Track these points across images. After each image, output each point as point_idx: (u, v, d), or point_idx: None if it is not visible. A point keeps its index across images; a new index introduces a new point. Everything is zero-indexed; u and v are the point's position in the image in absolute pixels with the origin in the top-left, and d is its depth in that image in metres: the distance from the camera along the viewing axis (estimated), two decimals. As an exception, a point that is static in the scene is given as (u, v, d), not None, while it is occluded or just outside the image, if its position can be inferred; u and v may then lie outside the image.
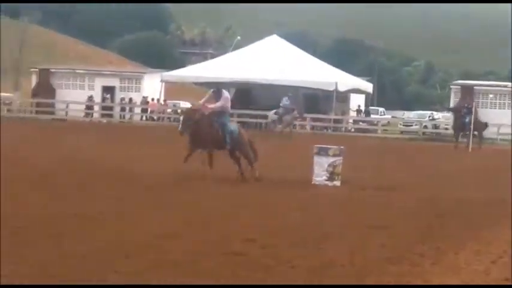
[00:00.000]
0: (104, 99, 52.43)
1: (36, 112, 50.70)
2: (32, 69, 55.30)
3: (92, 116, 51.33)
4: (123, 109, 52.54)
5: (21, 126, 38.88)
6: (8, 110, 51.91)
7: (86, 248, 9.22)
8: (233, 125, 18.25)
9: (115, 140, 31.62)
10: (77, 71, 55.34)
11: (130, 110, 52.66)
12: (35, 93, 52.69)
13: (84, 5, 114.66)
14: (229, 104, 18.21)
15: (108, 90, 52.77)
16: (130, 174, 17.36)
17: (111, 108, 52.14)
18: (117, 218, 11.58)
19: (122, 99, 52.24)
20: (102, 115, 51.80)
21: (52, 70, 54.20)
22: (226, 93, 18.33)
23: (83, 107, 51.63)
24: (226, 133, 17.54)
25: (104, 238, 9.93)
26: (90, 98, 51.74)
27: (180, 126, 17.69)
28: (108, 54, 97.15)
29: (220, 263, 8.74)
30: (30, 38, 69.37)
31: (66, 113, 51.79)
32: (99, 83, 53.31)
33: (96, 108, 52.35)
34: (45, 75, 53.19)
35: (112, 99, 52.42)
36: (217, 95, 18.01)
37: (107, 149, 25.77)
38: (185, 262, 8.72)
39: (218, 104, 17.74)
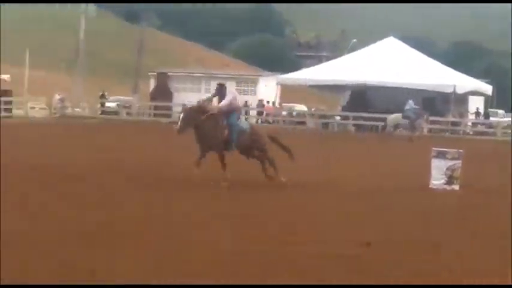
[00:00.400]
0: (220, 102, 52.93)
1: (154, 115, 51.57)
2: (150, 73, 56.34)
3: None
4: (239, 112, 52.88)
5: (141, 129, 39.70)
6: (128, 113, 53.01)
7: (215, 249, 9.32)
8: (244, 124, 17.04)
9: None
10: (194, 74, 56.05)
11: (246, 113, 52.95)
12: (153, 97, 53.62)
13: (200, 8, 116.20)
14: (237, 101, 16.95)
15: (225, 93, 53.22)
16: (252, 177, 17.35)
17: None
18: (240, 220, 11.65)
19: (238, 102, 52.64)
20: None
21: (169, 74, 55.07)
22: (230, 89, 17.15)
23: (200, 109, 52.21)
24: (234, 134, 16.29)
25: (229, 240, 10.02)
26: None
27: (179, 124, 16.27)
28: (224, 57, 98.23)
29: (334, 266, 8.70)
30: (149, 42, 70.72)
31: (184, 116, 52.47)
32: (215, 85, 53.76)
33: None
34: (162, 79, 54.08)
35: (228, 102, 52.87)
36: (220, 92, 16.77)
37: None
38: (302, 264, 8.70)
39: (225, 101, 16.41)
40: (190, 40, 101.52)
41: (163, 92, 53.23)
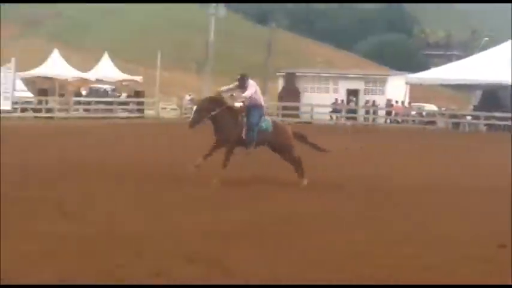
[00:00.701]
0: (348, 102, 52.77)
1: (282, 115, 51.79)
2: (278, 73, 56.63)
3: (337, 119, 51.79)
4: (367, 112, 52.56)
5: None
6: (256, 113, 53.37)
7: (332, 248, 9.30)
8: (265, 123, 15.76)
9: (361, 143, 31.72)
10: (322, 74, 56.02)
11: (374, 112, 52.57)
12: (281, 97, 53.88)
13: (329, 9, 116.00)
14: (258, 96, 15.72)
15: (353, 93, 53.03)
16: (380, 179, 17.23)
17: (355, 111, 52.34)
18: (366, 221, 11.59)
19: (367, 102, 52.33)
20: (347, 118, 52.11)
21: (298, 74, 55.21)
22: (252, 82, 15.74)
23: (328, 110, 52.20)
24: (254, 133, 15.42)
25: (352, 239, 10.00)
26: (342, 101, 52.34)
27: (191, 117, 15.46)
28: (352, 57, 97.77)
29: (469, 267, 8.57)
30: (278, 42, 71.11)
31: (311, 116, 52.52)
32: (344, 86, 53.69)
33: (341, 111, 52.69)
34: (291, 79, 54.26)
35: (356, 102, 52.66)
36: (242, 84, 15.71)
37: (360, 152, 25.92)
38: (434, 264, 8.60)
39: (246, 93, 15.50)
40: (318, 40, 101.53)
41: (291, 92, 53.41)
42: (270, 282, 7.77)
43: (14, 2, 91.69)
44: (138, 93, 51.88)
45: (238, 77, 15.88)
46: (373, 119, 51.77)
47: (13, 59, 42.27)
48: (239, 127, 15.43)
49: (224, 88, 16.05)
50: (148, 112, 49.94)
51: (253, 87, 15.62)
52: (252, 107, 15.61)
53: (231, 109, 15.56)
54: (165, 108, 52.42)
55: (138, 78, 56.50)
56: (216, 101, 15.61)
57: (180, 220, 11.07)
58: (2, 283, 7.42)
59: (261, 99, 15.86)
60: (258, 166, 17.12)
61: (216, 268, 8.21)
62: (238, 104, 15.82)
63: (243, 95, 15.53)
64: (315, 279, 7.93)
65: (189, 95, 54.77)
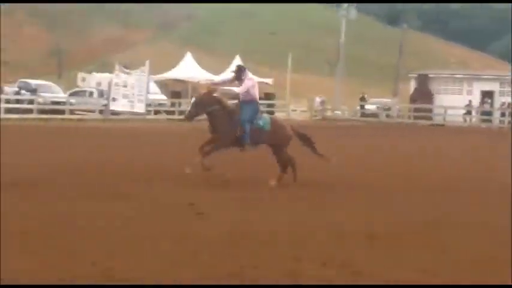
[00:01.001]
0: (483, 104, 51.55)
1: (414, 117, 51.05)
2: (410, 75, 55.93)
3: (471, 121, 50.68)
4: (502, 114, 51.20)
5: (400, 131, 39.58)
6: (387, 116, 52.92)
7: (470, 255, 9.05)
8: (262, 120, 14.94)
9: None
10: (456, 75, 54.99)
11: (503, 114, 51.14)
12: (413, 99, 53.15)
13: (462, 8, 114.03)
14: (254, 90, 14.87)
15: (487, 94, 51.78)
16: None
17: (489, 113, 51.06)
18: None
19: (502, 103, 51.00)
20: (482, 120, 50.92)
21: (430, 75, 54.33)
22: (250, 76, 15.16)
23: (461, 112, 51.15)
24: (246, 133, 14.63)
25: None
26: (479, 103, 51.25)
27: (188, 110, 14.88)
28: (487, 58, 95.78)
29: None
30: (409, 43, 70.29)
31: (444, 118, 51.57)
32: (478, 87, 52.49)
33: (475, 113, 51.58)
34: (423, 81, 53.45)
35: (492, 104, 51.40)
36: (239, 76, 14.96)
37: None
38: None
39: (241, 88, 14.74)
40: (452, 41, 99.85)
41: (423, 94, 52.58)
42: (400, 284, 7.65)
43: (147, 1, 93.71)
44: (268, 95, 52.12)
45: (235, 68, 15.38)
46: (509, 122, 50.35)
47: (147, 62, 43.11)
48: (234, 126, 14.77)
49: (219, 80, 15.52)
50: (279, 114, 50.04)
51: (249, 82, 14.96)
52: (245, 103, 14.90)
53: (229, 108, 14.89)
54: (295, 110, 52.46)
55: (269, 80, 56.79)
56: (215, 99, 14.87)
57: (307, 221, 10.95)
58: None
59: (257, 95, 15.08)
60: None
61: (347, 270, 8.09)
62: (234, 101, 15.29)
63: (237, 91, 15.01)
64: (445, 281, 7.75)
65: (320, 97, 54.68)
